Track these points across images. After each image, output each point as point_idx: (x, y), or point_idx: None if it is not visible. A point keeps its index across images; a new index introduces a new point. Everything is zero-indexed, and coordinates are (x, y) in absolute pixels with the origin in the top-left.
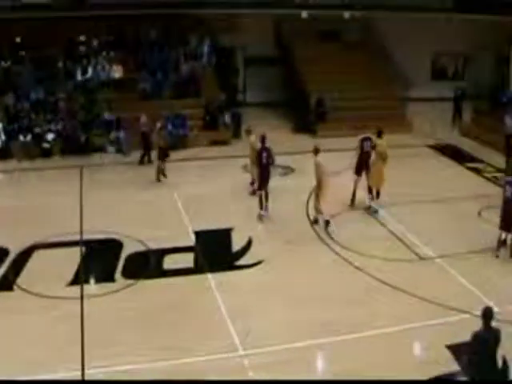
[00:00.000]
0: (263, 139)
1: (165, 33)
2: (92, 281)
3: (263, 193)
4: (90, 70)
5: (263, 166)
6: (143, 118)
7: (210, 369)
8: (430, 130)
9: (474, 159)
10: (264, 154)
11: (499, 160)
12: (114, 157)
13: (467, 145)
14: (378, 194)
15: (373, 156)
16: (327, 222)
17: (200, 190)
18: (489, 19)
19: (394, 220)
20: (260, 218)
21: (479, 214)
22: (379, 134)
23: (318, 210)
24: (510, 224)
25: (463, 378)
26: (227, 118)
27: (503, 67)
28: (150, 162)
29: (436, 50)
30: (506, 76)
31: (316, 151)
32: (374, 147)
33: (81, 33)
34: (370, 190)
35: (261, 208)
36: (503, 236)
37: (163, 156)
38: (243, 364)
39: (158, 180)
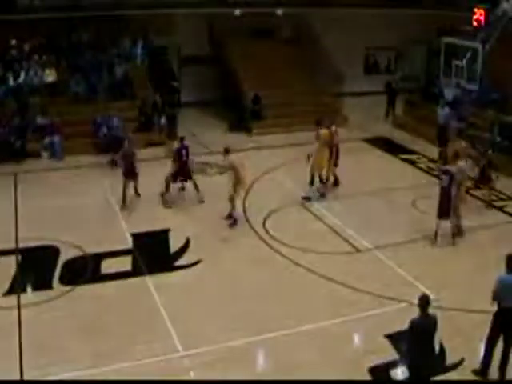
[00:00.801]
0: (181, 139)
1: (97, 35)
2: (29, 289)
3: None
4: (22, 75)
5: (182, 162)
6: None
7: (151, 371)
8: (364, 124)
9: (407, 150)
10: (183, 152)
11: (432, 150)
12: (48, 162)
13: (401, 137)
14: (321, 180)
15: (316, 144)
16: (235, 221)
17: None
18: (419, 13)
19: (331, 213)
20: (165, 202)
21: (413, 204)
22: (318, 123)
23: (232, 205)
24: (447, 212)
25: (403, 366)
26: (162, 119)
27: (434, 60)
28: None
29: (368, 44)
30: (437, 68)
31: (226, 151)
32: (317, 137)
33: (12, 37)
34: (312, 180)
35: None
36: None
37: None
38: (184, 364)
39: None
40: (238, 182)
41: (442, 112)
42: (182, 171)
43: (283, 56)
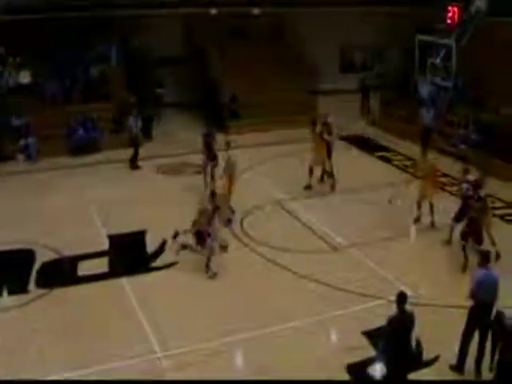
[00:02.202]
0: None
1: (73, 36)
2: (4, 293)
3: None
4: None
5: None
6: None
7: (130, 373)
8: (340, 122)
9: (383, 148)
10: None
11: (408, 148)
12: (23, 165)
13: (376, 134)
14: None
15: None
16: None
17: (113, 192)
18: (395, 11)
19: (308, 212)
20: None
21: (390, 201)
22: (313, 123)
23: (230, 209)
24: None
25: (380, 363)
26: (139, 119)
27: (409, 58)
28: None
29: (345, 42)
30: (412, 66)
31: (228, 145)
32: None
33: None
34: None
35: None
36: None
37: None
38: (162, 366)
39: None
40: (231, 181)
41: (427, 114)
42: None
43: (260, 55)
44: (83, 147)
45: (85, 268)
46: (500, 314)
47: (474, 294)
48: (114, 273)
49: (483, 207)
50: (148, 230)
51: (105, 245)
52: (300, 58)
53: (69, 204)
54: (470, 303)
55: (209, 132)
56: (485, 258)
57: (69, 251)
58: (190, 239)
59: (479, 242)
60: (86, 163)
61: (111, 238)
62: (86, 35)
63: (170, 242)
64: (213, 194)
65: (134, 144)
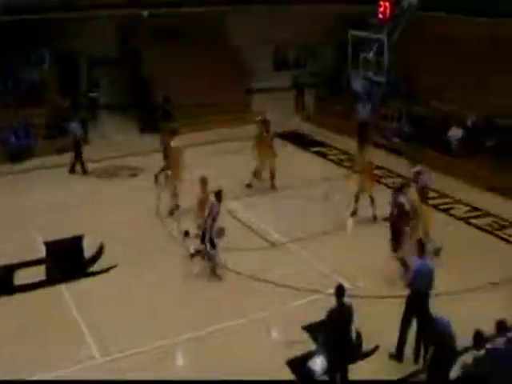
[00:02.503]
0: None
1: (3, 41)
2: None
3: None
4: None
5: None
6: None
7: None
8: (275, 119)
9: (318, 143)
10: None
11: (343, 143)
12: None
13: (311, 130)
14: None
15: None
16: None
17: (48, 198)
18: (327, 8)
19: (245, 210)
20: None
21: (326, 196)
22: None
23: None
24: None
25: (320, 356)
26: (74, 123)
27: (343, 53)
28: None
29: (278, 40)
30: (346, 62)
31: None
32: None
33: None
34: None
35: None
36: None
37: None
38: (103, 371)
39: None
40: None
41: (363, 109)
42: None
43: (193, 55)
44: (17, 154)
45: (21, 277)
46: (434, 321)
47: (410, 284)
48: (51, 280)
49: (401, 212)
50: (85, 234)
51: (42, 252)
52: (234, 57)
53: (4, 211)
54: (407, 292)
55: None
56: (421, 249)
57: (4, 260)
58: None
59: (395, 247)
60: (22, 169)
61: (48, 244)
62: (17, 40)
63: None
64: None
65: (77, 148)
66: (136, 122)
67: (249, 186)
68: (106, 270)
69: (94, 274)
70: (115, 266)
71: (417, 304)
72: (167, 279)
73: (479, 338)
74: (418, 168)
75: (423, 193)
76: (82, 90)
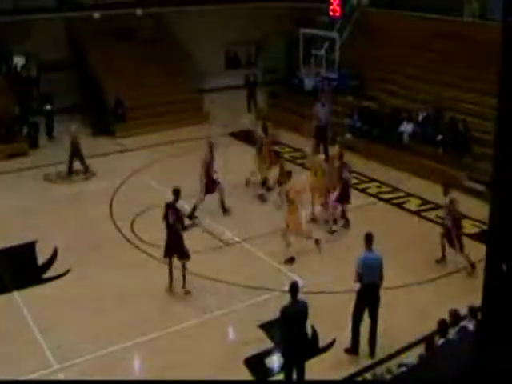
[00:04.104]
0: None
1: None
2: None
3: None
4: None
5: None
6: None
7: None
8: (227, 119)
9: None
10: None
11: (296, 140)
12: None
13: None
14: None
15: None
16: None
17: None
18: (277, 5)
19: (198, 211)
20: None
21: (279, 194)
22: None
23: None
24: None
25: (277, 353)
26: (24, 128)
27: (294, 51)
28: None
29: (229, 39)
30: (297, 59)
31: None
32: None
33: None
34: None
35: None
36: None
37: None
38: (60, 378)
39: None
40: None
41: (323, 109)
42: None
43: (145, 56)
44: None
45: None
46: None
47: (360, 277)
48: (4, 288)
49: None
50: (38, 239)
51: None
52: (186, 58)
53: None
54: (357, 286)
55: None
56: (368, 241)
57: None
58: None
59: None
60: None
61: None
62: None
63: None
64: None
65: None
66: (88, 125)
67: (262, 197)
68: (60, 276)
69: (47, 279)
70: (69, 271)
71: (367, 296)
72: (122, 283)
73: (443, 327)
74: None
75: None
76: (33, 94)
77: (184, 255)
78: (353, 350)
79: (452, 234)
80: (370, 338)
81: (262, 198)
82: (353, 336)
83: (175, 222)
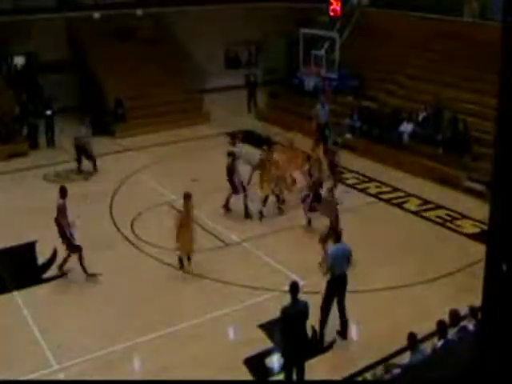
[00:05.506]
0: None
1: None
2: None
3: None
4: None
5: None
6: None
7: None
8: (227, 119)
9: (271, 142)
10: None
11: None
12: None
13: (264, 128)
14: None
15: None
16: None
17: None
18: (277, 5)
19: (197, 210)
20: None
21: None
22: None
23: None
24: None
25: (277, 354)
26: (24, 128)
27: (294, 51)
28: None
29: (229, 39)
30: (297, 59)
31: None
32: None
33: None
34: None
35: None
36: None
37: None
38: (60, 378)
39: None
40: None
41: (323, 110)
42: None
43: (145, 56)
44: None
45: None
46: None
47: (331, 269)
48: (4, 288)
49: None
50: (39, 239)
51: None
52: (186, 58)
53: None
54: (327, 277)
55: None
56: (337, 236)
57: None
58: None
59: None
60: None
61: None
62: None
63: None
64: None
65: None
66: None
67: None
68: (60, 276)
69: (48, 280)
70: (69, 271)
71: (338, 287)
72: (121, 283)
73: (442, 327)
74: None
75: None
76: (34, 94)
77: None
78: (320, 341)
79: None
80: (342, 322)
81: (261, 214)
82: (321, 327)
83: None
